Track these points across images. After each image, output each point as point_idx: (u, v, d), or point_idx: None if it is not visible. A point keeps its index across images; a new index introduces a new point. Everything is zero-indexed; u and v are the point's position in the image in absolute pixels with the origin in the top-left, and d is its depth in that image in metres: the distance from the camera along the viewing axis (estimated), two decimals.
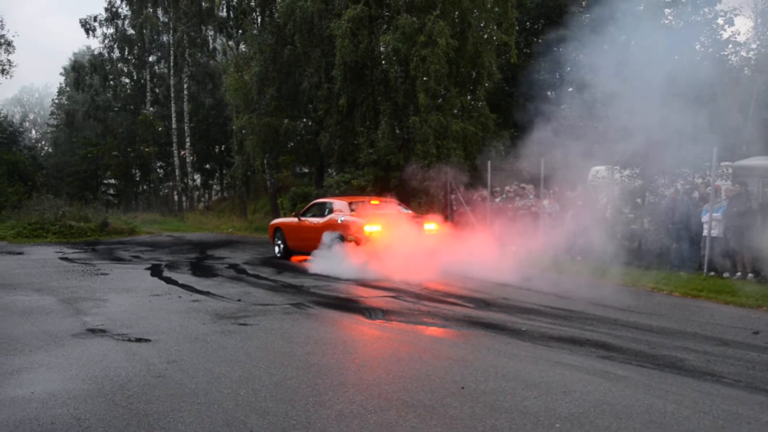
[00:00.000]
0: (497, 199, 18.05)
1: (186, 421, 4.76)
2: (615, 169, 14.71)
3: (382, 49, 22.47)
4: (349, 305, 9.53)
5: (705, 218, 12.77)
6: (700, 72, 14.28)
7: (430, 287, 11.32)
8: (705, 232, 12.81)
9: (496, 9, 22.18)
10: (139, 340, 7.25)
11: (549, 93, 23.41)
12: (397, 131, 22.04)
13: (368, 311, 8.98)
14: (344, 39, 20.93)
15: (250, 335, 7.59)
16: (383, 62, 22.69)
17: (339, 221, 14.55)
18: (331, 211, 15.29)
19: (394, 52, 20.88)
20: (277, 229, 17.13)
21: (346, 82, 21.71)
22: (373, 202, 15.56)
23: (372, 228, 13.64)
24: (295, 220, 16.35)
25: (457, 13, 21.33)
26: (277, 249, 16.96)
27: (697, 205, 13.52)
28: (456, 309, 9.26)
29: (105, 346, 6.99)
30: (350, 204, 15.16)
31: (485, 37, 21.98)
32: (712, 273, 12.42)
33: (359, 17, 21.14)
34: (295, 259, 16.12)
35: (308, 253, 14.86)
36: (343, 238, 13.98)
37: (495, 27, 22.28)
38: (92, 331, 7.69)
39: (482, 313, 9.01)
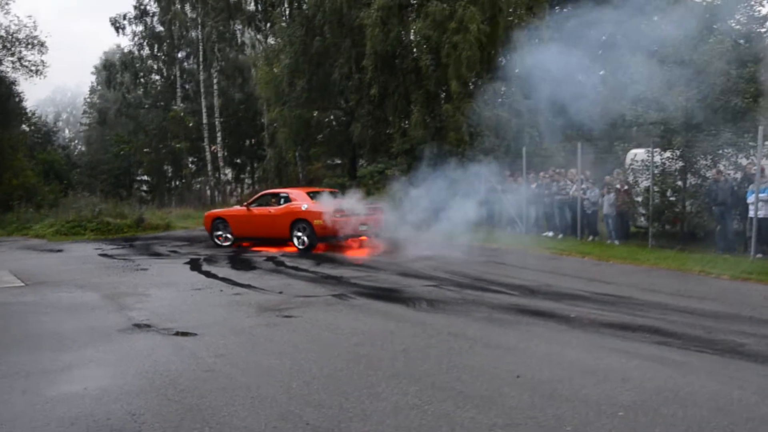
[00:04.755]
0: (533, 185, 17.84)
1: (240, 416, 4.70)
2: (654, 151, 14.42)
3: (412, 37, 22.30)
4: (391, 295, 9.43)
5: (751, 199, 12.45)
6: (741, 51, 13.95)
7: (470, 275, 11.19)
8: (751, 213, 12.50)
9: None
10: (185, 334, 7.22)
11: (580, 77, 23.05)
12: (429, 120, 21.89)
13: (412, 301, 8.87)
14: (374, 28, 20.83)
15: (296, 327, 7.53)
16: (414, 50, 22.51)
17: (303, 209, 15.83)
18: (288, 200, 16.54)
19: (425, 39, 20.73)
20: (219, 218, 17.69)
21: (376, 72, 21.60)
22: (321, 191, 17.61)
23: (336, 214, 15.39)
24: (243, 209, 17.27)
25: None
26: (220, 237, 17.51)
27: (742, 186, 13.20)
28: (501, 297, 9.11)
29: (152, 341, 6.97)
30: (308, 194, 16.79)
31: (516, 21, 21.67)
32: (759, 255, 12.11)
33: (389, 6, 21.01)
34: (255, 248, 16.73)
35: (261, 239, 16.95)
36: (308, 223, 15.55)
37: (526, 10, 21.97)
38: (138, 326, 7.67)
39: (528, 300, 8.85)
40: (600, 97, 19.32)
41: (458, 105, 20.20)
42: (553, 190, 17.11)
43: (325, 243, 16.03)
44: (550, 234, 16.98)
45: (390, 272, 11.74)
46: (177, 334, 7.24)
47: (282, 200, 16.86)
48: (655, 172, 14.37)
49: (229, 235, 17.36)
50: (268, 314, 8.22)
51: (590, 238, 16.12)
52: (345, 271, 11.99)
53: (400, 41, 21.82)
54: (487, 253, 14.32)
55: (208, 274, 12.07)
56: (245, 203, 17.70)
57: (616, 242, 15.18)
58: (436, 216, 15.87)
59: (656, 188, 14.41)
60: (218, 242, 17.46)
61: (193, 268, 13.01)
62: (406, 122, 21.95)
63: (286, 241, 16.33)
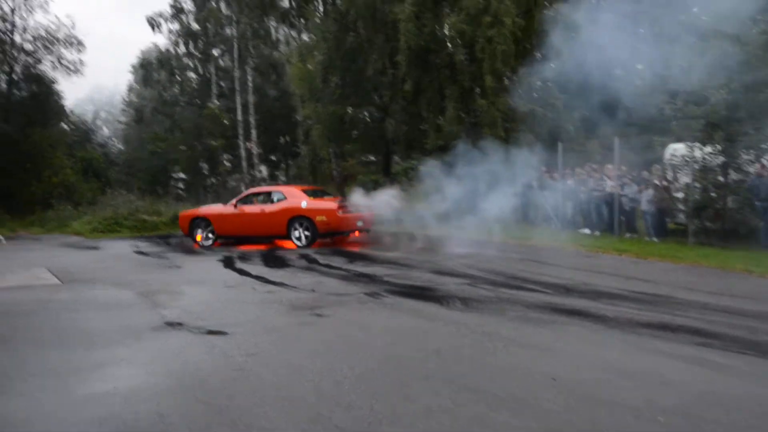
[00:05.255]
0: (569, 181, 17.58)
1: (269, 417, 4.63)
2: (695, 146, 14.08)
3: (446, 31, 22.12)
4: (424, 294, 9.31)
5: None
6: None
7: (505, 273, 11.02)
8: None
9: None
10: (216, 332, 7.18)
11: (618, 71, 22.68)
12: (464, 115, 21.71)
13: (445, 299, 8.75)
14: (408, 23, 20.72)
15: (327, 326, 7.46)
16: (448, 45, 22.34)
17: (303, 206, 16.36)
18: (283, 198, 16.95)
19: (459, 34, 20.55)
20: (199, 218, 17.67)
21: (410, 67, 21.50)
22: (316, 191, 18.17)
23: (339, 211, 16.16)
24: (229, 207, 17.38)
25: None
26: (200, 237, 17.51)
27: None
28: (536, 295, 8.94)
29: (183, 340, 6.95)
30: (304, 191, 17.29)
31: (552, 14, 21.35)
32: None
33: (423, 0, 20.85)
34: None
35: (250, 238, 17.13)
36: (309, 220, 16.11)
37: (562, 2, 21.62)
38: (170, 324, 7.66)
39: (564, 299, 8.67)
40: (638, 91, 18.98)
41: (493, 100, 20.01)
42: (590, 186, 16.85)
43: (323, 239, 16.64)
44: (587, 231, 16.73)
45: (423, 270, 11.62)
46: (208, 332, 7.20)
47: (274, 198, 17.21)
48: (696, 167, 14.04)
49: (209, 234, 17.43)
50: (299, 312, 8.15)
51: (628, 235, 15.84)
52: (378, 269, 11.89)
53: (434, 36, 21.68)
54: (522, 250, 14.14)
55: (241, 272, 12.07)
56: (232, 202, 17.64)
57: (655, 239, 14.88)
58: (471, 213, 15.71)
59: (697, 184, 14.08)
60: (198, 242, 17.45)
61: (226, 266, 13.03)
62: (441, 118, 21.76)
63: (281, 238, 16.80)
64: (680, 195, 14.77)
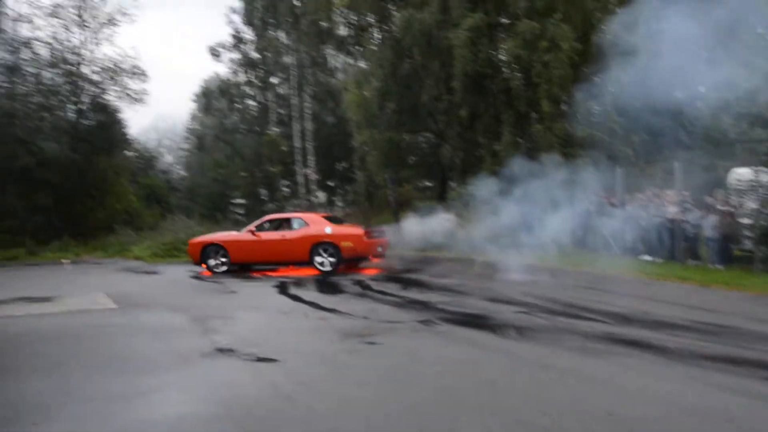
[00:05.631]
0: (629, 206, 17.18)
1: None
2: (761, 170, 13.61)
3: (502, 57, 22.00)
4: (478, 322, 9.14)
5: None
6: None
7: (562, 301, 10.76)
8: None
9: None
10: (266, 359, 7.14)
11: (678, 95, 22.20)
12: (520, 140, 21.50)
13: (500, 328, 8.56)
14: (463, 49, 20.67)
15: (379, 354, 7.35)
16: (504, 70, 22.20)
17: (327, 232, 16.56)
18: (304, 224, 17.06)
19: (515, 59, 20.42)
20: (212, 245, 17.48)
21: (466, 93, 21.41)
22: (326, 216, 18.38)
23: (365, 237, 16.49)
24: (247, 234, 17.37)
25: (579, 15, 20.54)
26: (213, 264, 17.34)
27: None
28: (594, 325, 8.69)
29: (233, 367, 6.92)
30: (325, 218, 17.79)
31: (610, 37, 21.05)
32: None
33: (478, 26, 20.84)
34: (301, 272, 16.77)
35: (268, 264, 17.30)
36: (334, 246, 16.27)
37: (620, 27, 21.32)
38: (221, 350, 7.65)
39: (623, 329, 8.39)
40: (701, 114, 18.51)
41: (550, 125, 19.76)
42: (650, 211, 16.42)
43: (347, 265, 16.79)
44: (647, 258, 16.27)
45: (478, 297, 11.44)
46: (258, 359, 7.16)
47: (294, 225, 17.28)
48: (762, 192, 13.55)
49: (222, 260, 17.32)
50: (351, 340, 8.07)
51: (690, 262, 15.35)
52: (432, 296, 11.76)
53: (489, 61, 21.57)
54: (580, 277, 13.81)
55: (294, 298, 12.07)
56: (248, 229, 17.64)
57: (719, 266, 14.37)
58: (527, 238, 15.47)
59: (764, 209, 13.57)
60: (213, 269, 17.29)
61: (281, 292, 13.05)
62: (497, 143, 21.59)
63: (302, 265, 16.82)
64: (746, 221, 14.25)
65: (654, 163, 18.50)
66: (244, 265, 17.55)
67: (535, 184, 17.67)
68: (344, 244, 16.39)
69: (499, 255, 15.19)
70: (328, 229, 16.81)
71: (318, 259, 16.49)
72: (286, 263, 17.18)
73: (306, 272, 16.57)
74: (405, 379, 6.30)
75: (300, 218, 17.59)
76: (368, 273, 16.35)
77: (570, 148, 19.45)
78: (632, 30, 20.51)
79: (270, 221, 17.98)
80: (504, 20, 22.24)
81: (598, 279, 13.57)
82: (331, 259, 16.43)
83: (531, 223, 15.66)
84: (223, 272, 17.15)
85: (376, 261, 17.73)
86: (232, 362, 7.13)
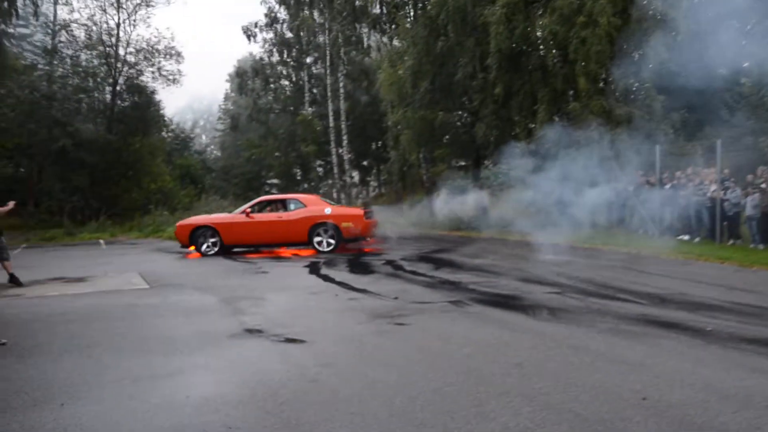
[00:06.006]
0: (667, 185, 16.81)
1: None
2: None
3: (538, 33, 21.58)
4: (510, 303, 8.97)
5: None
6: None
7: (596, 281, 10.54)
8: None
9: None
10: (294, 340, 7.07)
11: (722, 71, 21.63)
12: (556, 119, 21.12)
13: (532, 309, 8.39)
14: (499, 26, 20.34)
15: (407, 336, 7.23)
16: (540, 47, 21.79)
17: (326, 212, 16.87)
18: (302, 206, 17.22)
19: (552, 35, 20.01)
20: (203, 227, 17.17)
21: (501, 71, 21.09)
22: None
23: (365, 216, 16.93)
24: (240, 216, 17.22)
25: None
26: (204, 247, 17.04)
27: None
28: (628, 306, 8.46)
29: (260, 348, 6.86)
30: (321, 198, 18.36)
31: (650, 12, 20.53)
32: None
33: (514, 2, 20.45)
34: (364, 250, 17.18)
35: (263, 245, 17.27)
36: (336, 227, 16.61)
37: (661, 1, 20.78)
38: (249, 331, 7.60)
39: (659, 310, 8.16)
40: (744, 90, 17.95)
41: (587, 103, 19.36)
42: (690, 190, 16.03)
43: (345, 244, 17.08)
44: (686, 237, 15.91)
45: (511, 277, 11.25)
46: (286, 340, 7.09)
47: (291, 206, 17.39)
48: None
49: (212, 242, 17.08)
50: (380, 321, 7.96)
51: (730, 241, 14.97)
52: (464, 276, 11.60)
53: (525, 38, 21.18)
54: (616, 257, 13.54)
55: (325, 278, 12.00)
56: (242, 210, 17.52)
57: (761, 246, 13.99)
58: (563, 218, 15.21)
59: None
60: (203, 252, 17.04)
61: (311, 272, 13.00)
62: (532, 122, 21.26)
63: (300, 245, 17.11)
64: None
65: (694, 140, 18.03)
66: (239, 247, 17.55)
67: (572, 163, 17.38)
68: (344, 224, 16.73)
69: (534, 234, 14.96)
70: (328, 209, 17.14)
71: (317, 239, 16.74)
72: (284, 244, 17.22)
73: (288, 253, 16.86)
74: (432, 360, 6.17)
75: (296, 199, 17.74)
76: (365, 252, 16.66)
77: (608, 126, 19.02)
78: (673, 3, 20.01)
79: (263, 203, 18.02)
80: None
81: (634, 259, 13.32)
82: (331, 240, 16.71)
83: (567, 202, 15.39)
84: (212, 254, 16.98)
85: (372, 241, 17.87)
86: (259, 343, 7.07)
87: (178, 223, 18.11)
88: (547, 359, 6.08)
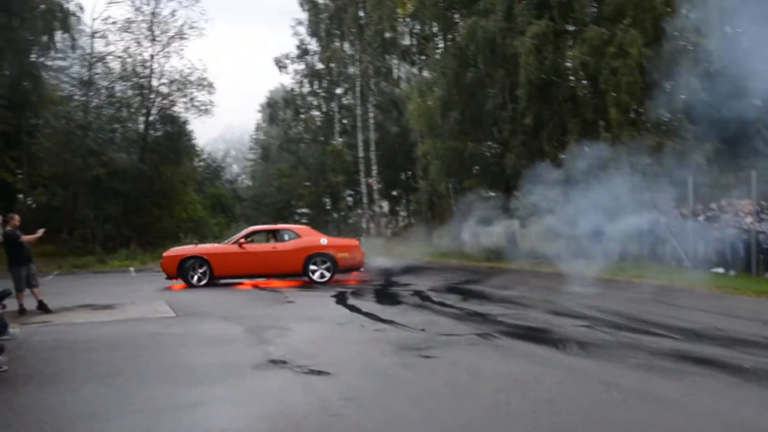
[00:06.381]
0: (701, 217, 16.52)
1: None
2: None
3: (568, 64, 21.46)
4: (539, 336, 8.78)
5: None
6: None
7: (628, 315, 10.30)
8: None
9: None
10: (318, 372, 6.95)
11: (756, 101, 21.33)
12: (587, 149, 20.91)
13: (561, 343, 8.19)
14: (528, 56, 20.27)
15: (433, 369, 7.10)
16: (570, 78, 21.68)
17: (322, 243, 16.87)
18: (296, 236, 17.23)
19: (582, 66, 19.90)
20: (194, 258, 16.55)
21: (531, 101, 20.97)
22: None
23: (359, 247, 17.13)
24: (233, 246, 16.79)
25: (649, 19, 19.88)
26: (195, 279, 16.40)
27: None
28: (662, 341, 8.23)
29: (284, 379, 6.77)
30: (312, 229, 18.62)
31: (682, 43, 20.34)
32: None
33: (544, 33, 20.40)
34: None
35: (255, 276, 16.88)
36: (332, 258, 16.59)
37: (693, 32, 20.57)
38: (273, 361, 7.51)
39: (693, 346, 7.92)
40: None
41: (618, 133, 19.16)
42: (724, 222, 15.73)
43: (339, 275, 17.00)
44: (721, 270, 15.56)
45: (540, 310, 11.06)
46: (310, 372, 6.98)
47: (285, 236, 17.42)
48: None
49: (201, 273, 16.45)
50: (406, 353, 7.83)
51: (767, 275, 14.61)
52: (492, 308, 11.42)
53: (555, 69, 21.09)
54: (648, 290, 13.25)
55: (352, 308, 11.90)
56: (233, 241, 17.12)
57: None
58: (594, 250, 15.00)
59: None
60: (193, 284, 16.36)
61: (338, 302, 12.91)
62: (563, 153, 21.07)
63: (295, 277, 16.86)
64: None
65: (728, 172, 17.74)
66: (231, 278, 17.02)
67: (603, 194, 17.17)
68: (341, 255, 16.80)
69: (564, 266, 14.76)
70: (324, 240, 17.19)
71: (313, 270, 16.63)
72: (278, 275, 16.96)
73: (284, 284, 16.67)
74: (459, 395, 6.03)
75: (290, 230, 17.84)
76: (353, 283, 16.57)
77: (639, 156, 18.78)
78: (706, 34, 19.82)
79: (255, 233, 17.86)
80: (570, 27, 21.71)
81: (667, 292, 13.04)
82: (326, 271, 16.67)
83: (598, 233, 15.18)
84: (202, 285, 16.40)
85: (362, 271, 17.78)
86: (283, 374, 6.98)
87: (165, 254, 17.31)
88: (578, 396, 5.90)
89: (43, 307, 12.23)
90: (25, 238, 11.99)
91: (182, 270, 16.44)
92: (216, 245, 17.72)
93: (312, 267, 16.63)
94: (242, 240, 16.97)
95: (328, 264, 16.66)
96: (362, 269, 17.57)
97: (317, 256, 16.69)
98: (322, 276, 16.60)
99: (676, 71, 19.73)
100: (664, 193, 16.99)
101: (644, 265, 16.33)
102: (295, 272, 16.69)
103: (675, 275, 14.82)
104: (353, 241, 17.67)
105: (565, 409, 5.49)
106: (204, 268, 16.49)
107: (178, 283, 16.65)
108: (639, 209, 16.84)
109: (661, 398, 5.75)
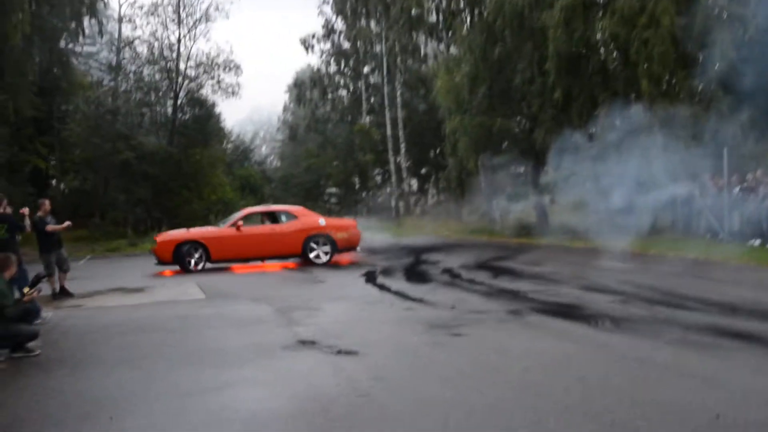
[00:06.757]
0: (736, 188, 16.16)
1: None
2: None
3: (598, 36, 21.04)
4: (571, 312, 8.63)
5: None
6: None
7: (662, 289, 10.09)
8: None
9: None
10: (347, 352, 6.89)
11: None
12: (618, 122, 20.55)
13: (594, 319, 8.05)
14: (557, 29, 19.91)
15: (463, 348, 7.00)
16: (600, 50, 21.27)
17: (321, 224, 16.85)
18: (294, 217, 17.04)
19: (612, 37, 19.51)
20: (190, 242, 16.03)
21: (560, 75, 20.62)
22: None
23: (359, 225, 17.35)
24: (230, 230, 16.38)
25: None
26: (191, 264, 15.79)
27: None
28: (697, 316, 8.04)
29: (313, 360, 6.72)
30: (307, 209, 18.35)
31: (716, 11, 19.81)
32: None
33: (573, 5, 19.98)
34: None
35: (253, 259, 16.62)
36: (331, 238, 16.50)
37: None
38: (302, 342, 7.46)
39: (731, 320, 7.72)
40: None
41: (650, 105, 18.77)
42: (761, 193, 15.37)
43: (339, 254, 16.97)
44: (757, 242, 15.21)
45: (572, 286, 10.89)
46: (339, 352, 6.92)
47: (282, 218, 17.16)
48: None
49: (197, 257, 15.90)
50: (435, 332, 7.74)
51: None
52: (523, 285, 11.28)
53: (584, 41, 20.67)
54: (683, 264, 12.99)
55: (381, 287, 11.84)
56: (230, 224, 16.63)
57: None
58: (626, 223, 14.74)
59: None
60: (188, 269, 15.74)
61: (368, 281, 12.85)
62: (593, 126, 20.73)
63: (294, 258, 16.77)
64: None
65: (765, 141, 17.32)
66: (229, 262, 16.63)
67: (635, 166, 16.87)
68: (339, 235, 16.75)
69: (596, 240, 14.55)
70: (322, 221, 17.18)
71: (312, 250, 16.51)
72: (277, 257, 16.81)
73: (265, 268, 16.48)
74: (488, 374, 5.93)
75: (287, 211, 17.61)
76: (347, 263, 16.62)
77: (672, 128, 18.41)
78: (741, 0, 19.27)
79: (251, 215, 17.61)
80: None
81: (703, 265, 12.79)
82: (326, 251, 16.55)
83: (630, 207, 14.92)
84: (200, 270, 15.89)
85: (358, 251, 17.69)
86: (312, 355, 6.93)
87: (158, 239, 16.84)
88: (611, 373, 5.77)
89: (63, 293, 12.20)
90: (51, 228, 11.98)
91: (178, 255, 15.87)
92: (211, 228, 17.31)
93: (311, 248, 16.50)
94: (240, 222, 16.57)
95: (327, 245, 16.55)
96: (359, 249, 17.52)
97: (316, 236, 16.59)
98: (320, 256, 16.47)
99: (711, 40, 19.26)
100: (699, 164, 16.64)
101: (678, 239, 16.04)
102: (294, 254, 16.57)
103: (710, 248, 14.51)
104: (351, 221, 17.81)
105: (598, 387, 5.36)
106: (200, 252, 16.00)
107: (171, 269, 16.12)
108: (672, 181, 16.54)
109: (697, 374, 5.59)
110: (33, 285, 8.18)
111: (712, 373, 5.60)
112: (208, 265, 16.11)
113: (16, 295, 7.95)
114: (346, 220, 18.04)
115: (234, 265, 16.66)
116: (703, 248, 14.50)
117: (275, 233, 16.64)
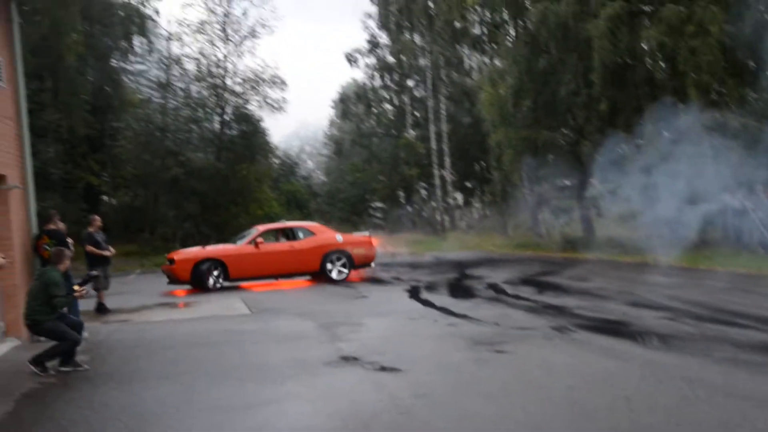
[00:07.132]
0: None
1: None
2: None
3: (644, 45, 20.76)
4: (617, 329, 8.48)
5: None
6: None
7: (712, 305, 9.85)
8: None
9: None
10: (389, 369, 6.87)
11: None
12: (666, 133, 20.23)
13: (640, 336, 7.88)
14: (602, 39, 19.69)
15: (507, 364, 6.94)
16: (646, 60, 20.97)
17: (339, 240, 16.81)
18: (310, 234, 17.02)
19: (659, 47, 19.22)
20: (210, 260, 15.63)
21: (605, 86, 20.38)
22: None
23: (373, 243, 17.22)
24: (248, 247, 16.16)
25: None
26: (211, 284, 15.37)
27: None
28: (749, 333, 7.83)
29: (355, 376, 6.72)
30: (325, 225, 18.61)
31: (767, 18, 19.39)
32: None
33: (618, 15, 19.78)
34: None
35: (277, 277, 16.48)
36: (348, 254, 16.55)
37: None
38: (345, 358, 7.47)
39: None
40: None
41: (699, 115, 18.43)
42: None
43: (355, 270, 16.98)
44: None
45: (618, 302, 10.71)
46: (381, 369, 6.91)
47: (299, 235, 17.08)
48: None
49: (217, 275, 15.54)
50: (479, 348, 7.68)
51: None
52: (568, 300, 11.13)
53: (630, 51, 20.42)
54: (734, 279, 12.68)
55: (425, 303, 11.80)
56: (248, 241, 16.37)
57: None
58: (674, 237, 14.47)
59: None
60: (207, 286, 15.34)
61: (411, 296, 12.83)
62: (641, 138, 20.43)
63: (312, 275, 16.64)
64: None
65: None
66: (247, 280, 16.36)
67: (683, 178, 16.56)
68: (356, 251, 16.79)
69: (644, 255, 14.29)
70: (339, 237, 17.10)
71: (330, 267, 16.45)
72: (295, 275, 16.69)
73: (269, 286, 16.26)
74: (532, 392, 5.85)
75: (304, 228, 17.59)
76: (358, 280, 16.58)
77: (721, 139, 18.04)
78: None
79: (268, 232, 17.32)
80: (646, 7, 20.98)
81: (754, 280, 12.47)
82: (343, 268, 16.53)
83: (679, 220, 14.64)
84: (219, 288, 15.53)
85: (373, 267, 17.79)
86: (354, 371, 6.93)
87: (176, 257, 16.13)
88: (658, 392, 5.64)
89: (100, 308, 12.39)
90: (89, 249, 12.05)
91: (197, 274, 15.46)
92: (228, 246, 16.91)
93: (329, 265, 16.44)
94: (259, 239, 16.30)
95: (344, 260, 16.55)
96: (374, 264, 17.55)
97: (334, 253, 16.55)
98: (339, 273, 16.43)
99: (762, 48, 18.86)
100: (751, 176, 16.26)
101: (729, 252, 15.67)
102: (312, 270, 16.49)
103: (762, 262, 14.14)
104: (366, 237, 17.62)
105: (644, 406, 5.25)
106: (218, 270, 15.66)
107: (184, 288, 15.76)
108: (723, 193, 16.19)
109: (749, 395, 5.43)
110: (84, 283, 8.37)
111: (763, 394, 5.44)
112: (226, 283, 15.79)
113: None
114: (362, 236, 17.78)
115: (280, 281, 16.74)
116: (755, 262, 14.14)
117: (294, 250, 16.51)
